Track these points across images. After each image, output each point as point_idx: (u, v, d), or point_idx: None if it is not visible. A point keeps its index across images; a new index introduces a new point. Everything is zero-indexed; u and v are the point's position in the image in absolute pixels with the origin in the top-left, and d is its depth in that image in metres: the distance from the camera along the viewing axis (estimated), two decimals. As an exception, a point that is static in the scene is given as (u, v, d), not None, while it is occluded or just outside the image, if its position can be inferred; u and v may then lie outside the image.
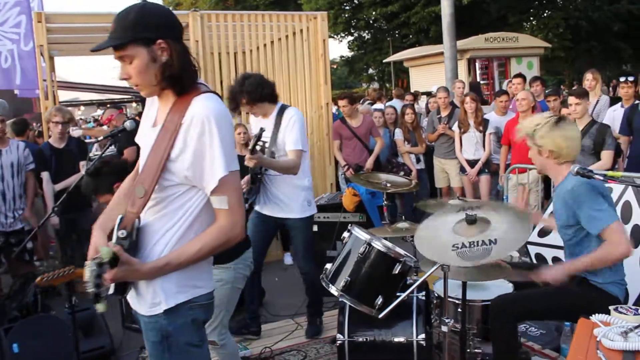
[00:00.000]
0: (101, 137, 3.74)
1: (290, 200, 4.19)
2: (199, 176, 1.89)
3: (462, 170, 7.10)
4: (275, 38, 6.78)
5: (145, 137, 2.05)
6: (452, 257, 2.60)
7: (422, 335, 3.09)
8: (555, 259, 4.81)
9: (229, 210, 1.89)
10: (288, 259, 6.55)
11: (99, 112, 19.64)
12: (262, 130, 3.74)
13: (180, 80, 1.92)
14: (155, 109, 2.07)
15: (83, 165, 5.49)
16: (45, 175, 5.35)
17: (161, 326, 1.98)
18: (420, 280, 2.65)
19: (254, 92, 4.03)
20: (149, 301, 1.97)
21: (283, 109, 4.17)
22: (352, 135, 6.74)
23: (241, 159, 5.93)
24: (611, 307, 2.13)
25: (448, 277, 2.74)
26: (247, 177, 4.11)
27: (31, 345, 4.03)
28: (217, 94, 2.00)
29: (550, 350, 3.93)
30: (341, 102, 6.72)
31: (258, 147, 3.75)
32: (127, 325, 4.85)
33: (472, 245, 2.60)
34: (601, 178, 2.52)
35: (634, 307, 2.13)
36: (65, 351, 4.00)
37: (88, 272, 1.80)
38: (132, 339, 4.64)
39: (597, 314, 2.08)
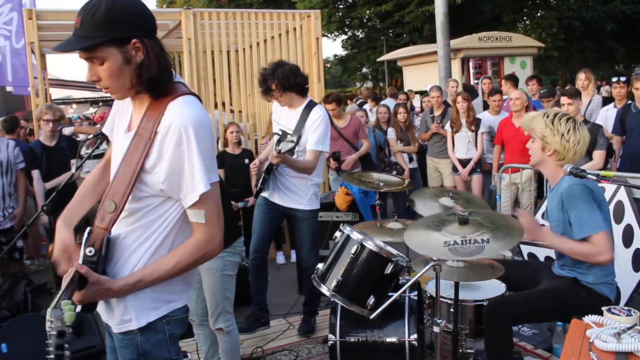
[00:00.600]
0: (91, 135, 3.70)
1: (300, 191, 4.20)
2: (176, 189, 1.74)
3: (455, 169, 7.10)
4: (269, 36, 6.75)
5: (118, 143, 1.88)
6: (443, 252, 2.59)
7: (414, 336, 3.07)
8: (548, 258, 4.81)
9: (207, 224, 1.76)
10: (280, 258, 6.54)
11: (92, 110, 19.51)
12: (298, 138, 3.84)
13: (158, 83, 1.75)
14: (130, 111, 1.88)
15: (74, 164, 5.46)
16: (35, 173, 5.32)
17: (137, 343, 1.84)
18: (412, 280, 2.63)
19: (284, 79, 4.04)
20: (118, 317, 1.84)
21: (311, 105, 4.17)
22: (339, 136, 6.62)
23: (233, 157, 5.98)
24: (604, 308, 2.13)
25: (440, 277, 2.73)
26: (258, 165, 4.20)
27: (20, 345, 3.98)
28: (196, 95, 1.84)
29: (543, 350, 3.92)
30: (329, 106, 6.48)
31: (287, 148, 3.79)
32: (117, 325, 4.83)
33: (464, 243, 2.60)
34: (594, 178, 2.50)
35: (626, 308, 2.13)
36: (55, 351, 3.96)
37: (49, 336, 1.58)
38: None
39: (589, 315, 2.07)
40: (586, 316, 2.05)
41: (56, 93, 17.25)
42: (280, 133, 4.21)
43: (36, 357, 3.98)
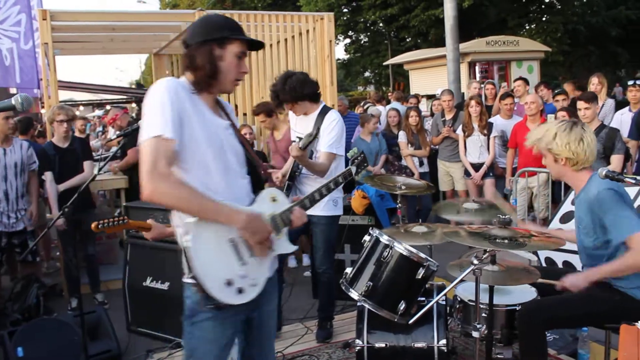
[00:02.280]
0: (114, 137, 3.66)
1: None
2: None
3: (467, 173, 7.05)
4: (282, 38, 6.72)
5: None
6: (486, 245, 2.63)
7: (443, 341, 3.02)
8: (566, 263, 4.76)
9: None
10: (292, 262, 6.49)
11: (97, 112, 19.50)
12: (317, 130, 3.89)
13: None
14: None
15: (89, 165, 5.41)
16: (48, 175, 5.25)
17: None
18: (454, 283, 2.56)
19: (295, 90, 4.06)
20: None
21: (325, 110, 4.18)
22: (276, 149, 6.14)
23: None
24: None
25: (480, 281, 2.67)
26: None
27: (36, 349, 3.94)
28: None
29: (566, 356, 3.87)
30: (258, 119, 6.02)
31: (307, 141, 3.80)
32: (132, 329, 4.78)
33: (505, 239, 2.65)
34: (633, 181, 2.46)
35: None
36: (71, 355, 3.92)
37: None
38: (138, 343, 4.57)
39: (642, 321, 2.03)
40: (639, 322, 2.00)
41: (60, 95, 17.21)
42: (298, 140, 4.19)
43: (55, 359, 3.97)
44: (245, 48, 2.19)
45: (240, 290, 2.09)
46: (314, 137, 3.81)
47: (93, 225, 2.68)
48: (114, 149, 6.94)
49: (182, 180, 2.02)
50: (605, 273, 2.90)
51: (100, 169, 3.17)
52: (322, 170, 4.02)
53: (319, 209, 4.14)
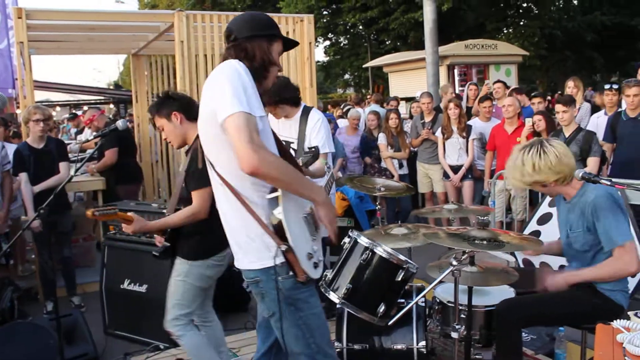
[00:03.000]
0: (91, 137, 3.61)
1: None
2: None
3: (446, 175, 7.10)
4: (261, 40, 6.67)
5: None
6: (465, 246, 2.64)
7: (423, 343, 3.03)
8: (543, 264, 4.81)
9: None
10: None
11: (66, 115, 19.17)
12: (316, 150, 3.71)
13: None
14: None
15: (65, 166, 5.32)
16: (23, 176, 5.15)
17: None
18: (433, 285, 2.58)
19: (275, 94, 4.01)
20: None
21: (307, 110, 4.17)
22: None
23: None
24: (631, 313, 2.11)
25: (459, 282, 2.69)
26: None
27: (11, 353, 3.87)
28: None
29: (543, 356, 3.91)
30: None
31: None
32: (109, 332, 4.72)
33: (483, 240, 2.66)
34: (608, 183, 2.50)
35: (654, 313, 2.11)
36: (47, 359, 3.85)
37: None
38: (116, 346, 4.52)
39: (618, 320, 2.05)
40: (615, 321, 2.03)
41: (36, 96, 16.97)
42: (284, 144, 4.16)
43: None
44: (283, 48, 2.35)
45: (315, 265, 2.20)
46: (314, 154, 3.70)
47: (89, 212, 2.69)
48: (89, 150, 6.84)
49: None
50: (585, 277, 2.94)
51: (76, 170, 3.12)
52: (323, 172, 4.00)
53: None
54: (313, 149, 3.18)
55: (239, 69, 2.10)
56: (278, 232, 2.07)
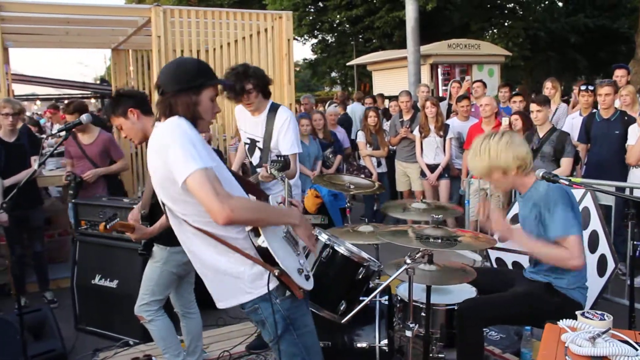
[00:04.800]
0: (55, 131, 3.57)
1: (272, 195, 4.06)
2: None
3: (423, 174, 7.13)
4: (240, 37, 6.67)
5: None
6: (418, 244, 2.68)
7: (385, 341, 3.04)
8: (516, 264, 4.85)
9: None
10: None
11: (35, 107, 18.97)
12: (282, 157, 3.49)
13: None
14: None
15: (35, 160, 5.25)
16: (-7, 169, 5.10)
17: None
18: (385, 284, 2.60)
19: (262, 79, 3.81)
20: None
21: (274, 107, 3.94)
22: (82, 155, 5.54)
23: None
24: (578, 313, 2.13)
25: (413, 280, 2.70)
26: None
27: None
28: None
29: (510, 355, 3.94)
30: (69, 117, 5.33)
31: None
32: (80, 328, 4.70)
33: (437, 238, 2.69)
34: (567, 182, 2.52)
35: (600, 312, 2.13)
36: (12, 354, 3.82)
37: None
38: (86, 342, 4.49)
39: (564, 320, 2.08)
40: (560, 320, 2.05)
41: (19, 89, 16.81)
42: (249, 142, 4.08)
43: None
44: (217, 91, 2.33)
45: (307, 277, 2.28)
46: (284, 163, 3.56)
47: (101, 228, 2.72)
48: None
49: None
50: (531, 248, 2.96)
51: (40, 164, 3.10)
52: (293, 173, 3.88)
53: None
54: (282, 159, 3.16)
55: (183, 125, 2.11)
56: (266, 259, 2.15)
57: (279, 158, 3.18)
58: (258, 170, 3.87)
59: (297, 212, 2.35)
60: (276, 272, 2.13)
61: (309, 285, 2.29)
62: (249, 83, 3.73)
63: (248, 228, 2.17)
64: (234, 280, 2.21)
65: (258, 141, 3.95)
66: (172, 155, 2.03)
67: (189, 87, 2.20)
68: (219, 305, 2.34)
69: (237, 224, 2.11)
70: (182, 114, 2.18)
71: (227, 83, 2.40)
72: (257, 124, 3.94)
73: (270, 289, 2.17)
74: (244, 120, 4.10)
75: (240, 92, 3.74)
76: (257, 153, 4.01)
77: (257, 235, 2.16)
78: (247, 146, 4.13)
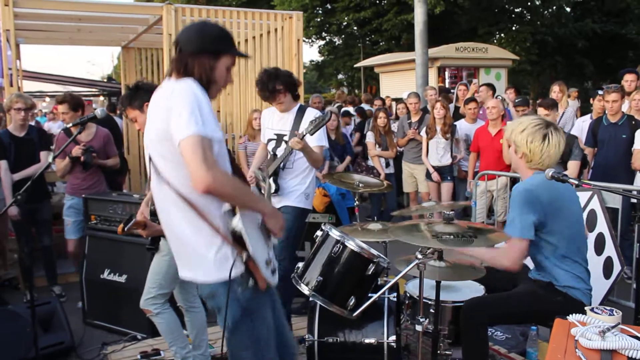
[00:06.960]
0: (70, 124, 3.60)
1: (289, 190, 4.14)
2: None
3: (428, 175, 7.16)
4: (250, 36, 6.71)
5: None
6: (434, 242, 2.68)
7: (393, 337, 3.06)
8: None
9: None
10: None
11: (42, 104, 19.00)
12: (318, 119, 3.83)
13: None
14: None
15: (43, 155, 5.27)
16: (3, 164, 5.11)
17: None
18: (396, 278, 2.62)
19: (290, 78, 4.07)
20: None
21: (303, 107, 4.18)
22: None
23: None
24: (587, 308, 2.16)
25: (424, 276, 2.72)
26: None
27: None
28: None
29: (516, 354, 3.95)
30: (61, 108, 5.05)
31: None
32: (88, 321, 4.73)
33: (452, 235, 2.69)
34: (576, 182, 2.54)
35: (608, 308, 2.16)
36: (23, 346, 3.86)
37: None
38: (94, 335, 4.53)
39: (573, 314, 2.10)
40: (570, 315, 2.07)
41: (28, 86, 16.87)
42: (276, 137, 4.18)
43: (3, 352, 3.90)
44: (234, 61, 2.31)
45: (273, 271, 2.27)
46: (322, 119, 3.80)
47: (119, 230, 2.78)
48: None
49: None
50: (473, 253, 3.03)
51: (54, 158, 3.13)
52: (320, 159, 4.07)
53: (291, 200, 4.14)
54: (317, 119, 3.27)
55: (195, 89, 2.10)
56: (237, 241, 2.12)
57: (316, 118, 3.49)
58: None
59: (269, 204, 2.42)
60: (244, 255, 2.11)
61: (274, 280, 2.27)
62: (279, 83, 4.00)
63: (226, 208, 2.15)
64: (199, 258, 2.19)
65: (285, 134, 4.08)
66: (177, 113, 2.03)
67: (208, 50, 2.20)
68: (180, 273, 2.34)
69: (215, 195, 2.06)
70: (197, 75, 2.16)
71: (245, 55, 2.39)
72: (286, 119, 4.14)
73: (234, 275, 2.14)
74: (270, 119, 4.29)
75: (272, 90, 4.01)
76: (283, 146, 4.11)
77: (233, 216, 2.14)
78: (272, 142, 4.22)
